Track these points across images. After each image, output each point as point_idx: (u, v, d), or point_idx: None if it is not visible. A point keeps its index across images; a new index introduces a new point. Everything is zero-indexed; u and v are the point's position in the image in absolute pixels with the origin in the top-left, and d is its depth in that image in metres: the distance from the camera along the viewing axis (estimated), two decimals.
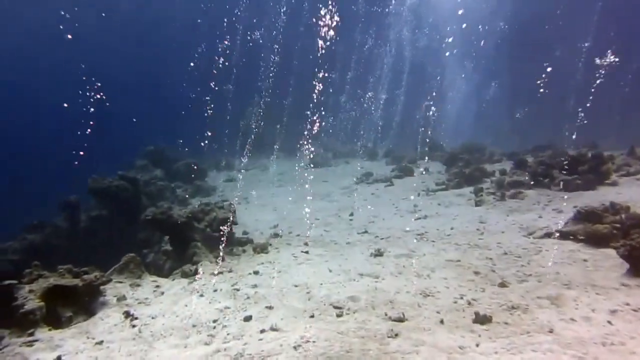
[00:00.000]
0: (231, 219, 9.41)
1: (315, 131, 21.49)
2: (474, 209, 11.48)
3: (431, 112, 23.30)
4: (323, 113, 26.52)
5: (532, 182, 12.61)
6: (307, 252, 9.00)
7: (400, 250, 8.77)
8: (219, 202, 11.97)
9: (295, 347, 5.26)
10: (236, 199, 15.13)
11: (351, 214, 12.22)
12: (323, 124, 26.34)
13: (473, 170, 15.03)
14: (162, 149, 20.26)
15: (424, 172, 17.22)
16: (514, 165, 14.64)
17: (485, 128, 27.53)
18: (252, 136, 20.64)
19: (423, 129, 20.87)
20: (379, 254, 8.59)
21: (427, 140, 20.95)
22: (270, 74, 20.21)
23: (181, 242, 9.15)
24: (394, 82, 28.54)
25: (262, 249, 9.41)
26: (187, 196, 16.35)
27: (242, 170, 20.14)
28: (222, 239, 8.84)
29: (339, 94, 28.34)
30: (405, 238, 9.49)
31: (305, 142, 21.85)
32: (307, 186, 17.03)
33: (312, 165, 21.02)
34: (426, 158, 19.31)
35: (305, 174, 19.46)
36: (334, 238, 10.03)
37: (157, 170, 18.40)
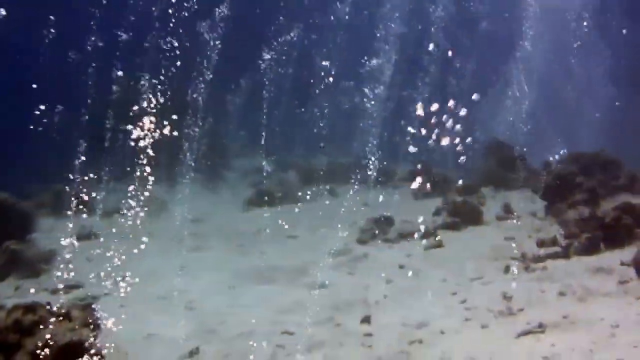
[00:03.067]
0: (90, 343, 7.48)
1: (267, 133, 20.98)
2: None
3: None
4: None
5: None
6: None
7: None
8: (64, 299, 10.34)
9: None
10: (104, 283, 11.69)
11: (366, 320, 9.57)
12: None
13: (617, 213, 11.47)
14: None
15: (503, 216, 14.22)
16: None
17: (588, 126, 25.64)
18: (135, 144, 16.64)
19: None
20: None
21: (493, 150, 19.04)
22: None
23: None
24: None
25: None
26: None
27: (115, 214, 15.84)
28: None
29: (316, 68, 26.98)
30: None
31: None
32: (255, 249, 13.44)
33: (263, 200, 17.94)
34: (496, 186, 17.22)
35: (249, 221, 16.20)
36: None
37: None
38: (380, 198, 16.78)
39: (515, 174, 17.33)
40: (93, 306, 8.51)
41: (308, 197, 18.79)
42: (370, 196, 17.43)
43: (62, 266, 13.08)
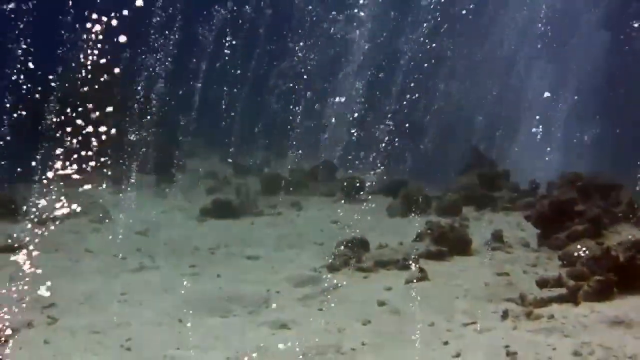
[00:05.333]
0: None
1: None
2: None
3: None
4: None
5: None
6: None
7: None
8: None
9: None
10: (17, 309, 9.92)
11: None
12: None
13: (632, 253, 10.22)
14: None
15: (493, 245, 12.95)
16: None
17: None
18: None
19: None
20: None
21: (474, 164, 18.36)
22: None
23: None
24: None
25: None
26: None
27: (49, 222, 14.09)
28: None
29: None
30: None
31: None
32: (209, 271, 12.13)
33: (220, 211, 16.68)
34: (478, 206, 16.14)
35: (203, 235, 14.89)
36: None
37: None
38: (351, 214, 15.89)
39: (499, 193, 16.44)
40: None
41: (270, 209, 17.67)
42: (339, 210, 16.48)
43: None
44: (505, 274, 10.82)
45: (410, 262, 11.61)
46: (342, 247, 12.46)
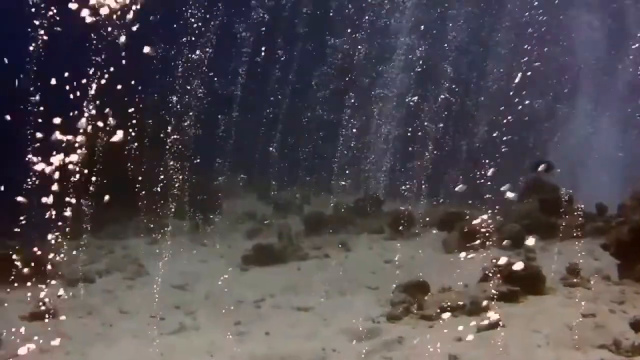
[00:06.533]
0: None
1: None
2: None
3: None
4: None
5: None
6: None
7: None
8: None
9: None
10: None
11: None
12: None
13: None
14: None
15: (569, 281, 11.75)
16: None
17: None
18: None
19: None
20: None
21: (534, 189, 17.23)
22: None
23: None
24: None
25: None
26: None
27: (80, 283, 13.80)
28: None
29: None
30: None
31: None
32: (256, 328, 11.21)
33: (263, 257, 15.81)
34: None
35: (247, 286, 13.92)
36: None
37: None
38: (404, 252, 15.02)
39: (564, 220, 15.35)
40: None
41: (316, 251, 16.78)
42: (391, 249, 15.73)
43: None
44: (591, 314, 9.59)
45: (480, 306, 10.60)
46: (400, 292, 11.54)
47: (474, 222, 15.15)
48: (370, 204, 19.66)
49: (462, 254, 14.62)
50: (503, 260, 11.57)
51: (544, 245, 14.16)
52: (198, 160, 20.94)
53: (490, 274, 11.59)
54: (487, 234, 15.26)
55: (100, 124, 18.59)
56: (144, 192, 18.35)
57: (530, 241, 13.74)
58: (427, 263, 13.82)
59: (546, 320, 9.79)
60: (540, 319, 9.88)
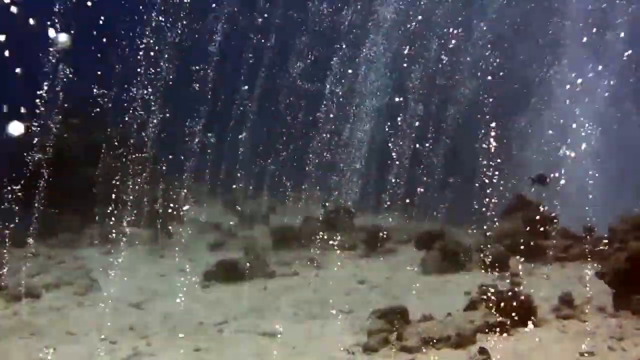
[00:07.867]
0: None
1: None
2: None
3: None
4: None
5: None
6: None
7: None
8: None
9: None
10: None
11: None
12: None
13: None
14: None
15: (562, 312, 10.84)
16: None
17: None
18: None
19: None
20: None
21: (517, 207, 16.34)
22: None
23: None
24: None
25: None
26: None
27: (24, 299, 12.89)
28: None
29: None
30: None
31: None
32: (218, 357, 10.20)
33: (226, 273, 15.03)
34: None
35: (209, 306, 13.13)
36: None
37: None
38: (379, 271, 14.58)
39: (549, 242, 14.72)
40: None
41: (284, 267, 16.03)
42: (365, 267, 15.17)
43: None
44: (589, 353, 8.87)
45: (467, 337, 9.82)
46: (377, 318, 10.68)
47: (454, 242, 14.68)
48: (341, 216, 18.99)
49: (442, 276, 14.12)
50: (489, 286, 10.91)
51: (530, 268, 13.49)
52: (162, 166, 20.56)
53: (477, 302, 10.87)
54: (467, 255, 14.76)
55: (53, 126, 17.91)
56: (100, 198, 17.82)
57: (515, 263, 13.11)
58: (405, 285, 13.07)
59: (540, 358, 9.13)
60: (534, 357, 9.18)
